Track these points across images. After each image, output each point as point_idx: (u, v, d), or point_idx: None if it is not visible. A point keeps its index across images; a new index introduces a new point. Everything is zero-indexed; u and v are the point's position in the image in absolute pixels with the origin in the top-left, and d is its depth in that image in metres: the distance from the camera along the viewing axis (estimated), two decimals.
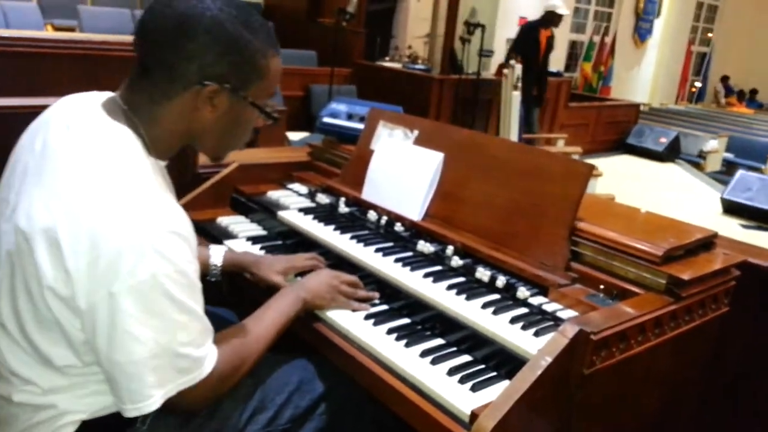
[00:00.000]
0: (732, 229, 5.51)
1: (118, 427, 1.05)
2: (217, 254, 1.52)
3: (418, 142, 1.81)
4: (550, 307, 1.33)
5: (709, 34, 14.81)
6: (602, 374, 1.13)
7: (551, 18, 6.42)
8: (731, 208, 6.00)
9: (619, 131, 8.87)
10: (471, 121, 5.64)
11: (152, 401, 0.98)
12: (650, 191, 6.56)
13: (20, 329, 1.00)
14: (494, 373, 1.21)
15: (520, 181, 1.54)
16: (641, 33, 12.77)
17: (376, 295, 1.45)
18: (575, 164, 1.48)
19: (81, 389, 1.03)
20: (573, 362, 1.10)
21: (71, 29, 6.18)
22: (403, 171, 1.77)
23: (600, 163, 7.83)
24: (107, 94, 1.11)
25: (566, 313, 1.30)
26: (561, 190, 1.45)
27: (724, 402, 1.62)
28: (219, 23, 1.03)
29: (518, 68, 4.84)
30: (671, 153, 8.49)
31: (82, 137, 1.02)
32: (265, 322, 1.23)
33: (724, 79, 14.95)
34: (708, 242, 1.46)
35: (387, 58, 8.13)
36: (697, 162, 8.63)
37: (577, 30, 11.77)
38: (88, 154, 1.00)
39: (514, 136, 4.08)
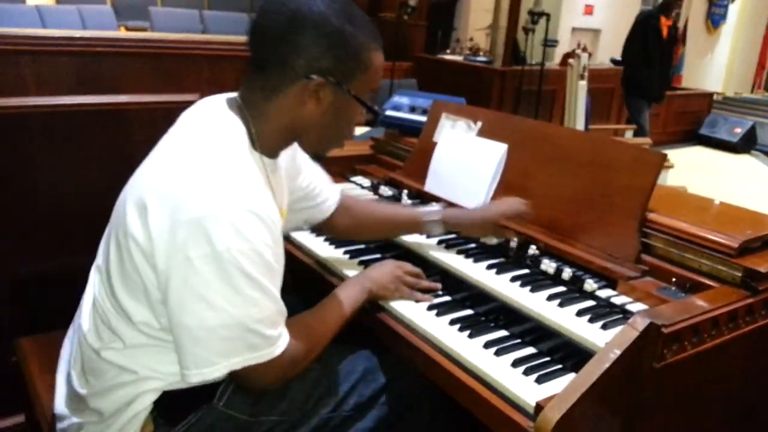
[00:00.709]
0: None
1: (196, 401, 1.10)
2: (431, 211, 1.58)
3: (482, 133, 1.80)
4: (618, 300, 1.30)
5: None
6: (673, 368, 1.10)
7: (669, 2, 5.63)
8: None
9: (691, 121, 8.50)
10: (534, 113, 5.52)
11: (215, 369, 1.02)
12: (724, 183, 6.27)
13: (108, 280, 1.08)
14: (560, 366, 1.19)
15: (588, 172, 1.51)
16: (714, 19, 12.18)
17: (439, 285, 1.46)
18: (646, 153, 1.44)
19: (160, 355, 1.08)
20: (643, 355, 1.07)
21: (143, 29, 6.43)
22: (466, 162, 1.76)
23: (671, 154, 7.47)
24: (234, 93, 1.18)
25: (636, 306, 1.27)
26: (631, 180, 1.42)
27: None
28: (326, 18, 1.08)
29: (584, 57, 4.69)
30: (747, 144, 8.07)
31: (197, 124, 1.12)
32: (333, 312, 1.26)
33: None
34: None
35: (448, 51, 8.07)
36: None
37: None
38: (194, 137, 1.09)
39: (580, 127, 3.96)
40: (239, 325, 1.01)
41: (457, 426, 1.47)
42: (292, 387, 1.19)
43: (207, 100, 1.18)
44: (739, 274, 1.24)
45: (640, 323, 1.07)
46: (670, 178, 4.24)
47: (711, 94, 9.21)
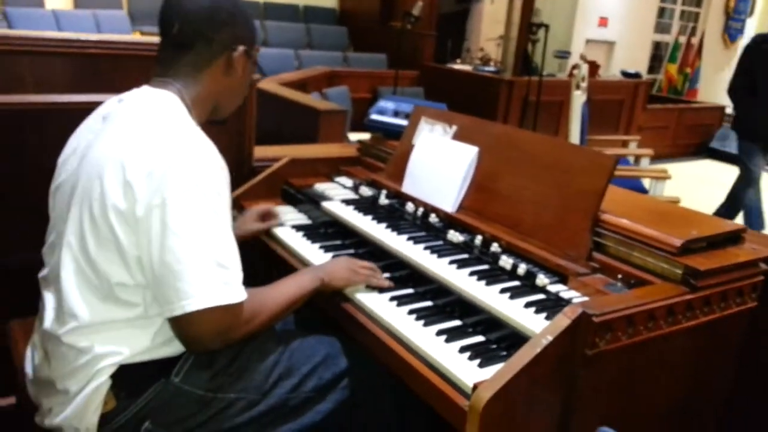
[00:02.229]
0: None
1: (154, 376, 1.19)
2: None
3: (457, 137, 1.88)
4: (567, 294, 1.36)
5: None
6: (607, 356, 1.17)
7: None
8: None
9: (703, 135, 8.49)
10: (533, 122, 5.56)
11: (195, 300, 1.11)
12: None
13: (83, 250, 1.17)
14: (504, 353, 1.26)
15: (549, 174, 1.58)
16: (731, 33, 12.15)
17: (392, 284, 1.52)
18: (600, 157, 1.51)
19: (117, 329, 1.17)
20: (575, 343, 1.14)
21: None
22: (440, 165, 1.84)
23: (679, 167, 7.54)
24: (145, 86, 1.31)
25: (582, 301, 1.33)
26: (586, 182, 1.48)
27: (757, 402, 1.59)
28: None
29: (584, 68, 4.72)
30: None
31: (137, 101, 1.26)
32: (282, 290, 1.34)
33: None
34: (736, 236, 1.44)
35: (458, 61, 8.17)
36: None
37: (661, 30, 11.35)
38: (146, 108, 1.23)
39: (575, 138, 3.98)
40: (211, 258, 1.12)
41: (422, 419, 1.54)
42: (251, 367, 1.27)
43: (120, 95, 1.30)
44: (680, 272, 1.30)
45: (573, 312, 1.13)
46: (669, 190, 4.28)
47: (722, 108, 9.16)
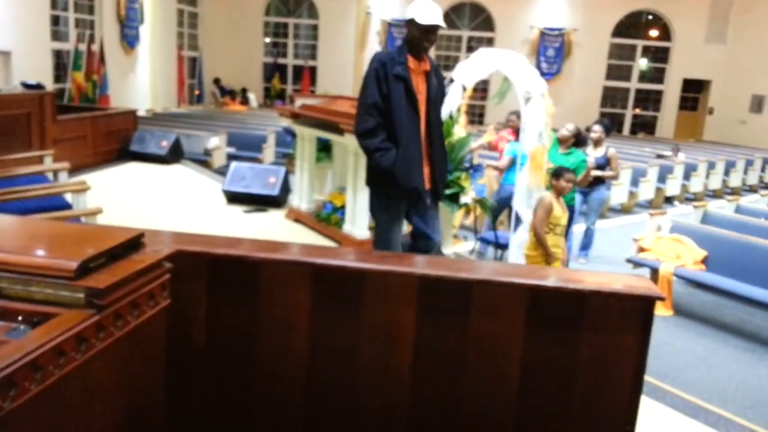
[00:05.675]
0: (237, 216, 6.05)
1: None
2: None
3: None
4: None
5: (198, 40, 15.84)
6: (20, 414, 1.03)
7: (414, 35, 3.08)
8: (233, 198, 6.53)
9: (121, 139, 8.73)
10: None
11: None
12: (157, 194, 6.67)
13: None
14: None
15: None
16: (129, 40, 12.78)
17: None
18: None
19: None
20: None
21: None
22: None
23: (104, 174, 7.61)
24: None
25: None
26: None
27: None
28: None
29: None
30: (174, 155, 8.79)
31: None
32: None
33: (217, 81, 16.26)
34: (135, 243, 1.48)
35: None
36: (204, 160, 9.15)
37: (59, 38, 11.03)
38: None
39: None
40: None
41: None
42: None
43: None
44: (82, 296, 1.25)
45: None
46: (94, 200, 4.22)
47: (134, 112, 9.60)
